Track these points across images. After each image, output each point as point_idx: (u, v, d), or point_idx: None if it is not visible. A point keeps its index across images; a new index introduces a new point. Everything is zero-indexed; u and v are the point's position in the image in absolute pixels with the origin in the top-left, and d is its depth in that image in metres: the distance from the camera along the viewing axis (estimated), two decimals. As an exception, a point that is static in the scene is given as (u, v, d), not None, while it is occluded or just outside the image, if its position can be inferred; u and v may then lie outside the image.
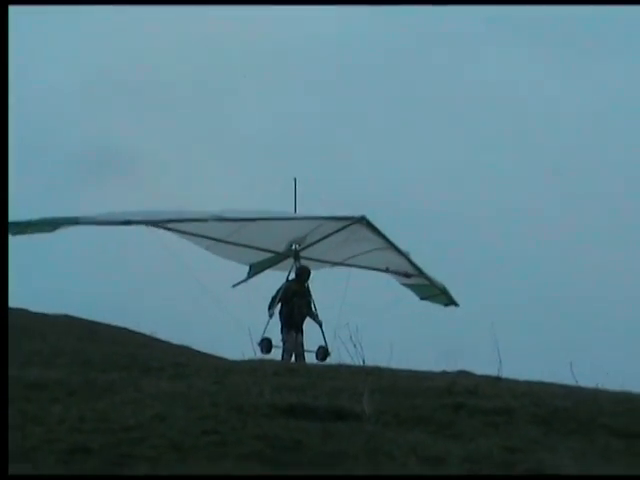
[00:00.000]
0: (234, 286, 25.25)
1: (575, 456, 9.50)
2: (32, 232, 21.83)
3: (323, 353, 23.11)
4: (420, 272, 25.74)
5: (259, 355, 17.24)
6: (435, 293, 26.36)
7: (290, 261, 24.79)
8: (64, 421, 10.30)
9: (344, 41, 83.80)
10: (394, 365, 15.48)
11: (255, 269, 25.53)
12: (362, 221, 24.05)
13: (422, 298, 26.65)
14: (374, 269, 25.97)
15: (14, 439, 9.72)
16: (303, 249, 24.53)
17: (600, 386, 14.48)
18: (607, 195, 67.76)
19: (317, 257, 24.90)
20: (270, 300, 23.64)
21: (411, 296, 27.09)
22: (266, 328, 23.52)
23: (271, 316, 23.62)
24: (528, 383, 15.01)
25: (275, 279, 24.99)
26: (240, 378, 13.42)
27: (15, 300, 31.84)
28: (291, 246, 24.80)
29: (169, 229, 23.51)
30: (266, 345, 23.25)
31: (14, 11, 17.09)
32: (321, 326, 23.62)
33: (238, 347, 19.57)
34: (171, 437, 9.69)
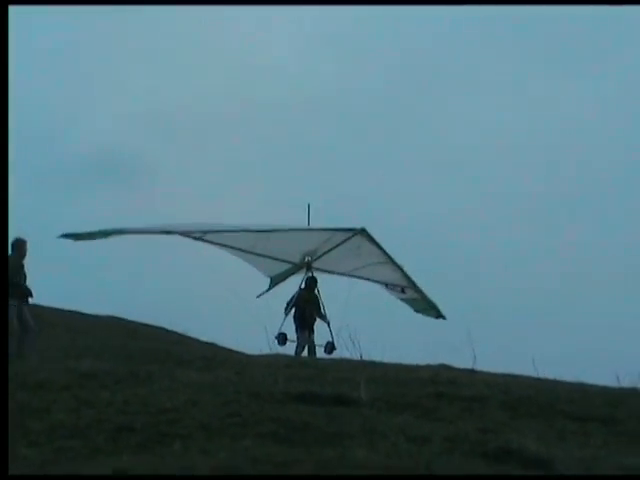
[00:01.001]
0: (258, 296, 25.16)
1: (537, 436, 9.59)
2: (89, 239, 21.91)
3: (330, 347, 23.52)
4: (413, 285, 25.59)
5: (274, 350, 17.27)
6: (427, 307, 26.30)
7: (304, 272, 24.93)
8: (111, 404, 10.40)
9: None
10: (386, 359, 15.51)
11: (275, 281, 25.48)
12: (362, 233, 24.10)
13: (416, 311, 26.50)
14: (375, 281, 26.00)
15: (70, 419, 9.80)
16: (314, 261, 24.48)
17: (558, 378, 14.50)
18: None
19: (326, 268, 25.08)
20: (286, 304, 24.01)
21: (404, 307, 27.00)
22: (282, 325, 23.83)
23: (286, 315, 23.99)
24: (498, 375, 15.05)
25: (289, 287, 25.16)
26: (258, 370, 13.48)
27: (70, 303, 32.02)
28: (304, 258, 24.77)
29: (203, 240, 23.67)
30: (282, 338, 23.73)
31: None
32: (329, 325, 23.96)
33: (257, 344, 19.61)
34: (200, 419, 9.78)
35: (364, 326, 19.34)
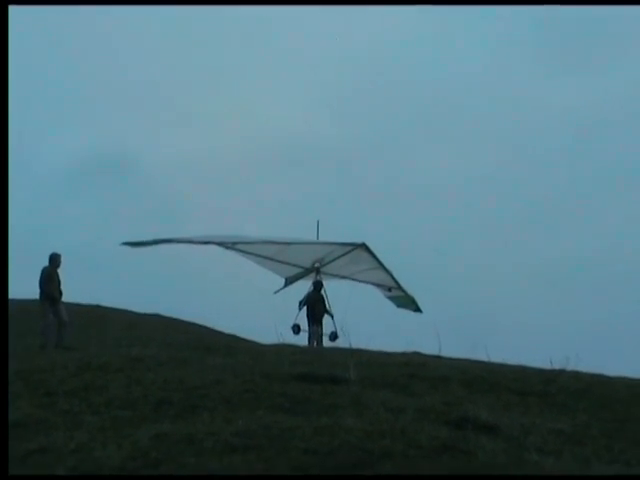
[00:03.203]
0: (275, 293, 25.10)
1: (488, 408, 9.55)
2: (144, 246, 21.99)
3: (334, 336, 23.61)
4: (399, 286, 25.56)
5: (282, 341, 17.16)
6: (407, 302, 26.25)
7: (313, 275, 24.85)
8: (154, 383, 10.38)
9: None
10: (371, 347, 15.49)
11: (289, 281, 25.41)
12: (362, 246, 24.08)
13: (398, 306, 26.41)
14: (368, 283, 26.05)
15: (123, 394, 9.82)
16: (322, 266, 24.62)
17: (504, 361, 14.47)
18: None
19: (331, 272, 25.29)
20: (299, 302, 24.13)
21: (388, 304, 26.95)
22: (297, 317, 23.93)
23: (300, 310, 24.15)
24: (458, 359, 15.04)
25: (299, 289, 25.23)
26: (269, 356, 13.46)
27: (123, 302, 31.96)
28: (314, 264, 24.70)
29: (234, 249, 23.84)
30: (297, 329, 23.99)
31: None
32: (333, 318, 23.99)
33: (269, 335, 19.47)
34: (224, 394, 9.77)
35: (354, 320, 19.29)
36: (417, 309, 26.32)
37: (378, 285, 26.11)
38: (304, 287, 24.97)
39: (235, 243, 23.67)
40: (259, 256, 24.44)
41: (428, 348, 16.13)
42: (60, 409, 9.27)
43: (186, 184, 68.80)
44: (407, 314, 26.68)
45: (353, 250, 24.30)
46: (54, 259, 18.99)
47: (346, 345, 14.95)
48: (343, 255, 24.45)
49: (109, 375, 10.98)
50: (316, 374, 11.04)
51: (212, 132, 73.61)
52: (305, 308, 24.13)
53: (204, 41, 77.08)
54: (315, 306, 24.10)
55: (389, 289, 25.99)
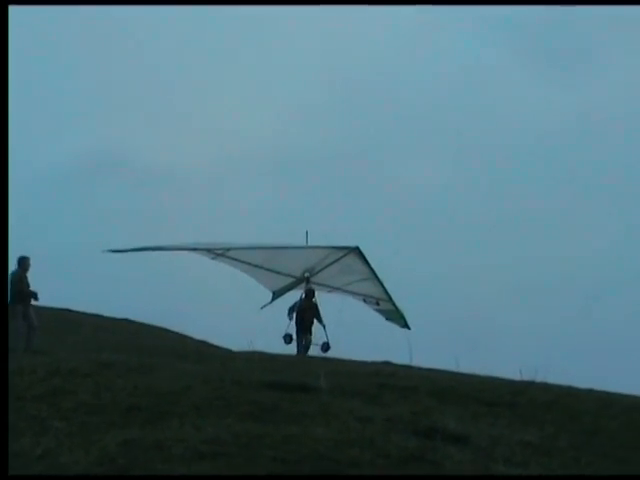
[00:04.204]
0: (262, 308, 24.01)
1: (457, 418, 9.56)
2: (129, 252, 21.66)
3: (326, 347, 22.68)
4: (390, 299, 24.62)
5: (252, 348, 17.07)
6: (396, 317, 25.13)
7: (303, 285, 23.97)
8: (124, 388, 10.35)
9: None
10: (342, 356, 15.51)
11: (277, 294, 24.37)
12: (355, 250, 23.29)
13: (387, 319, 25.38)
14: (356, 295, 24.98)
15: (92, 399, 9.78)
16: (312, 276, 23.73)
17: (474, 372, 14.53)
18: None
19: (322, 282, 24.39)
20: (288, 309, 23.24)
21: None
22: (288, 327, 23.14)
23: (290, 320, 23.33)
24: (428, 369, 15.09)
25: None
26: (239, 363, 13.45)
27: (93, 306, 31.79)
28: (304, 273, 23.85)
29: (224, 256, 23.19)
30: (288, 338, 23.07)
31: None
32: (324, 328, 23.18)
33: (239, 342, 19.34)
34: (193, 401, 9.75)
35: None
36: (405, 325, 25.38)
37: (366, 298, 25.21)
38: (293, 297, 24.38)
39: (226, 249, 23.07)
40: (249, 264, 23.76)
41: (399, 358, 16.18)
42: (28, 414, 9.22)
43: (166, 192, 67.29)
44: (381, 324, 26.47)
45: (345, 256, 23.57)
46: (23, 262, 18.90)
47: (317, 354, 14.97)
48: (335, 262, 23.73)
49: (78, 380, 10.92)
50: (286, 382, 11.03)
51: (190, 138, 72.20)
52: (295, 315, 23.45)
53: (192, 46, 75.47)
54: (305, 314, 23.34)
55: (377, 302, 24.98)
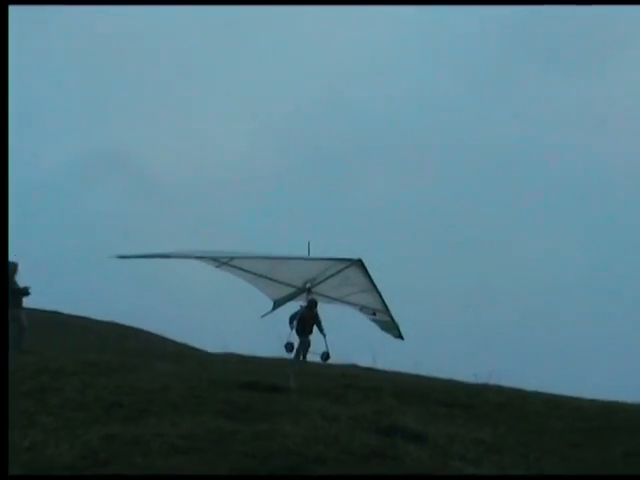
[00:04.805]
0: (262, 316, 23.55)
1: (416, 417, 9.59)
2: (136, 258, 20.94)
3: (326, 356, 21.78)
4: (387, 310, 24.22)
5: (228, 350, 16.93)
6: (391, 328, 24.76)
7: (304, 295, 23.61)
8: (107, 387, 10.30)
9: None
10: (311, 359, 15.45)
11: (278, 303, 24.05)
12: (358, 263, 22.74)
13: (382, 329, 24.95)
14: (354, 305, 24.45)
15: (77, 397, 9.72)
16: (313, 287, 23.14)
17: (434, 375, 14.54)
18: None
19: (322, 293, 23.51)
20: (289, 318, 22.68)
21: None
22: (289, 336, 22.33)
23: (292, 329, 22.56)
24: (390, 372, 15.12)
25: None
26: (215, 364, 13.45)
27: (82, 309, 31.46)
28: (305, 284, 23.46)
29: (229, 264, 22.46)
30: (290, 348, 22.15)
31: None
32: (325, 337, 22.41)
33: (217, 344, 19.08)
34: (171, 399, 9.75)
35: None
36: (399, 336, 24.85)
37: (363, 308, 24.23)
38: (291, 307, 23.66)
39: (230, 258, 22.36)
40: (252, 273, 22.95)
41: (364, 361, 16.15)
42: (17, 409, 9.14)
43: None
44: (347, 328, 26.22)
45: (347, 268, 22.58)
46: (12, 267, 18.74)
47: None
48: (336, 274, 22.76)
49: (64, 378, 10.86)
50: (259, 383, 11.03)
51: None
52: (295, 323, 22.77)
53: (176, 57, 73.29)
54: (306, 323, 22.93)
55: (373, 313, 24.27)
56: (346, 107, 66.93)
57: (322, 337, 22.24)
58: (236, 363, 13.70)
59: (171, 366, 12.59)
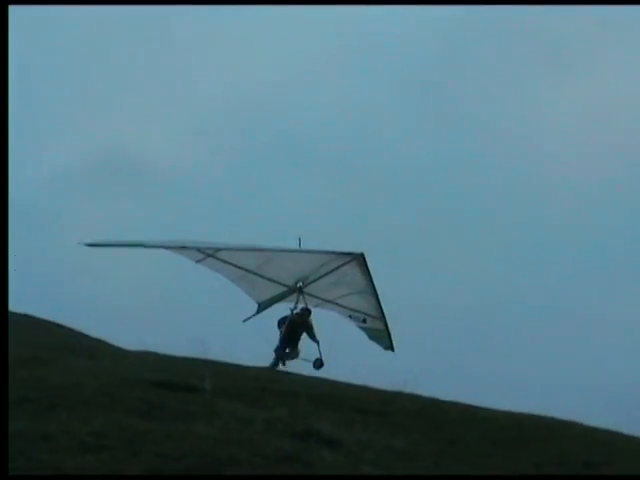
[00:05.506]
0: (244, 321, 20.64)
1: (331, 423, 9.61)
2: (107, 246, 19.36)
3: (319, 364, 20.02)
4: (382, 316, 21.12)
5: (145, 347, 16.55)
6: (382, 337, 21.40)
7: (294, 296, 20.69)
8: (15, 381, 10.01)
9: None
10: (233, 360, 15.19)
11: (263, 306, 20.97)
12: (360, 258, 19.84)
13: (370, 338, 21.66)
14: (344, 309, 21.27)
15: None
16: (305, 286, 20.43)
17: (348, 381, 14.52)
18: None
19: (314, 294, 20.60)
20: (278, 321, 20.24)
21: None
22: (280, 340, 19.72)
23: (281, 333, 20.52)
24: (308, 376, 15.13)
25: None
26: (130, 361, 13.27)
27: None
28: (297, 283, 20.64)
29: (213, 256, 19.53)
30: (280, 351, 20.24)
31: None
32: (318, 345, 20.01)
33: (134, 342, 18.50)
34: (83, 396, 9.59)
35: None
36: (389, 347, 21.69)
37: (353, 314, 21.37)
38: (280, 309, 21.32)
39: (216, 250, 19.53)
40: (239, 268, 20.10)
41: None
42: None
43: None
44: (264, 330, 25.48)
45: (347, 263, 20.06)
46: None
47: (204, 356, 14.78)
48: (332, 271, 20.18)
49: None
50: (173, 382, 10.92)
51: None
52: (283, 329, 20.15)
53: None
54: (297, 330, 20.12)
55: (364, 320, 21.36)
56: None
57: (315, 344, 19.81)
58: (152, 361, 13.52)
59: (84, 361, 12.39)
